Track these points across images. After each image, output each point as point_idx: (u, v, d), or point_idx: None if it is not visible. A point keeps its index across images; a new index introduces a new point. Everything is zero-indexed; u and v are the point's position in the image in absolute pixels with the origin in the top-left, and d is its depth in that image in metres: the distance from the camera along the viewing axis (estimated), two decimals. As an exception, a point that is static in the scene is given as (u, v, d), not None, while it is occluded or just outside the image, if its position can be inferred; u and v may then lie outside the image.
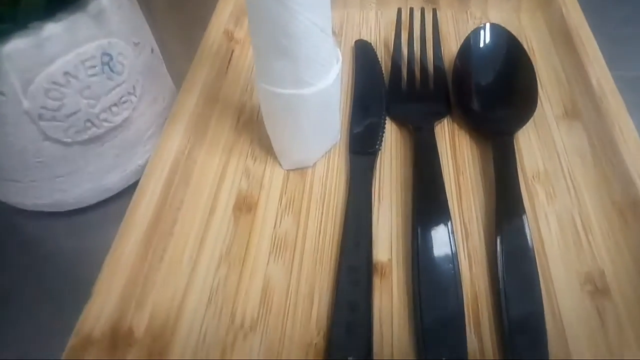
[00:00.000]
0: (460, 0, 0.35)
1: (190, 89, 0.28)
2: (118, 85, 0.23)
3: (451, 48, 0.32)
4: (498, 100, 0.27)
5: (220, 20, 0.33)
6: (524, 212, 0.22)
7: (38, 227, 0.27)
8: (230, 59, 0.32)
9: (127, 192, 0.27)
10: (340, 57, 0.24)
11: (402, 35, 0.31)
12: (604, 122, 0.25)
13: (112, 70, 0.23)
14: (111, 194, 0.27)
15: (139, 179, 0.25)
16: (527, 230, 0.21)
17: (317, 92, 0.22)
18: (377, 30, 0.34)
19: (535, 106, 0.27)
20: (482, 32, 0.29)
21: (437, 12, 0.32)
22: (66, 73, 0.21)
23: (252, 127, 0.28)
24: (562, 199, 0.24)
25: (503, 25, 0.31)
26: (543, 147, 0.26)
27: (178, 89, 0.29)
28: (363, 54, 0.31)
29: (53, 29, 0.20)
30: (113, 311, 0.19)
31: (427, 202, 0.23)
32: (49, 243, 0.26)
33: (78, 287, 0.22)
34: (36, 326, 0.23)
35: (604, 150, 0.25)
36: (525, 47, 0.31)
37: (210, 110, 0.28)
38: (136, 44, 0.24)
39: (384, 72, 0.30)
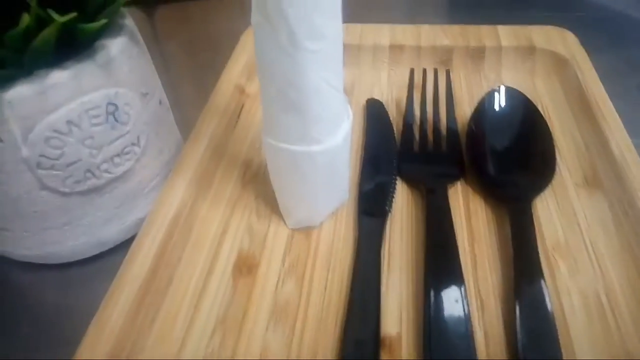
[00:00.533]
0: (474, 61, 0.35)
1: (197, 141, 0.27)
2: (122, 136, 0.23)
3: (464, 110, 0.31)
4: (514, 164, 0.26)
5: (233, 73, 0.33)
6: (545, 286, 0.21)
7: (25, 278, 0.25)
8: (239, 113, 0.31)
9: (124, 246, 0.26)
10: (351, 114, 0.23)
11: (415, 95, 0.31)
12: (626, 191, 0.24)
13: (116, 120, 0.22)
14: (107, 247, 0.25)
15: (138, 231, 0.24)
16: (548, 307, 0.20)
17: (326, 150, 0.22)
18: (389, 89, 0.33)
19: (554, 172, 0.26)
20: (497, 94, 0.29)
21: (450, 73, 0.32)
22: (69, 122, 0.20)
23: (257, 183, 0.27)
24: (585, 273, 0.22)
25: (517, 88, 0.31)
26: (563, 216, 0.24)
27: (185, 137, 0.28)
28: (374, 112, 0.31)
29: (59, 77, 0.20)
30: (94, 380, 0.18)
31: (440, 271, 0.21)
32: (34, 296, 0.25)
33: (58, 349, 0.20)
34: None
35: (628, 220, 0.23)
36: (541, 110, 0.30)
37: (216, 163, 0.28)
38: (144, 95, 0.24)
39: (395, 131, 0.29)
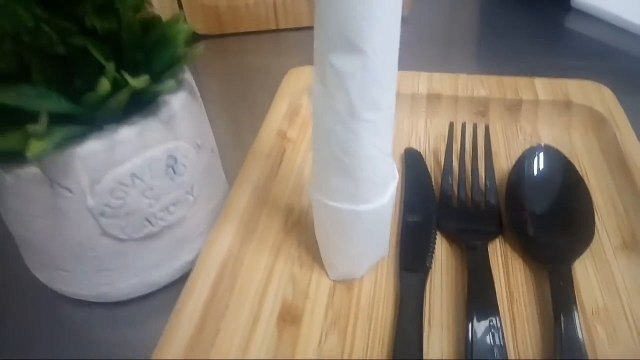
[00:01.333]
0: (510, 113, 0.35)
1: (242, 187, 0.28)
2: (178, 186, 0.24)
3: (501, 163, 0.32)
4: (554, 226, 0.26)
5: (275, 118, 0.34)
6: (585, 353, 0.21)
7: (77, 314, 0.26)
8: (281, 159, 0.32)
9: (171, 286, 0.27)
10: (397, 175, 0.24)
11: (454, 147, 0.31)
12: (667, 259, 0.24)
13: (174, 172, 0.23)
14: (156, 288, 0.26)
15: (184, 273, 0.25)
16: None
17: (373, 210, 0.22)
18: (426, 139, 0.34)
19: (593, 235, 0.26)
20: (535, 153, 0.29)
21: (489, 127, 0.32)
22: (133, 174, 0.22)
23: (300, 230, 0.28)
24: (625, 342, 0.22)
25: (554, 142, 0.32)
26: (602, 280, 0.25)
27: (228, 180, 0.30)
28: (413, 164, 0.31)
29: (126, 133, 0.21)
30: None
31: (481, 330, 0.22)
32: (85, 332, 0.26)
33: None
34: None
35: (669, 290, 0.23)
36: (578, 167, 0.31)
37: (260, 209, 0.29)
38: (199, 146, 0.25)
39: (433, 184, 0.30)
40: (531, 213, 0.27)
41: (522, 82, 0.36)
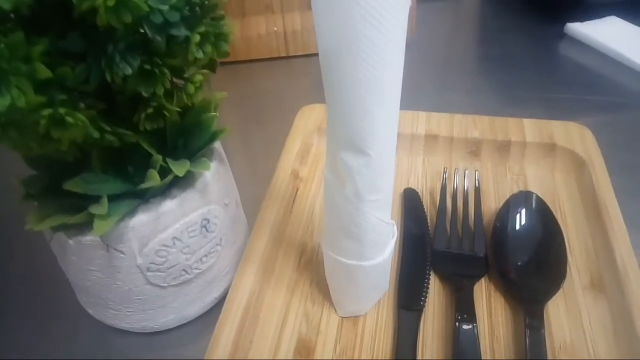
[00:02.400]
0: (500, 154, 0.39)
1: (261, 231, 0.33)
2: (210, 241, 0.28)
3: (489, 203, 0.36)
4: (531, 270, 0.30)
5: (288, 158, 0.38)
6: (551, 385, 0.25)
7: (119, 342, 0.31)
8: (294, 198, 0.37)
9: (202, 317, 0.31)
10: (396, 233, 0.28)
11: (447, 189, 0.35)
12: (625, 301, 0.28)
13: (207, 230, 0.27)
14: (189, 320, 0.31)
15: (213, 306, 0.30)
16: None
17: (375, 264, 0.27)
18: (424, 177, 0.38)
19: (564, 279, 0.30)
20: (518, 201, 0.33)
21: (479, 173, 0.36)
22: (174, 237, 0.26)
23: (312, 268, 0.32)
24: (585, 374, 0.27)
25: (539, 183, 0.36)
26: (570, 318, 0.29)
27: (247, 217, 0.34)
28: (411, 204, 0.35)
29: (169, 206, 0.25)
30: None
31: (464, 365, 0.26)
32: (126, 355, 0.30)
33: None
34: None
35: (624, 329, 0.28)
36: (558, 207, 0.35)
37: (276, 250, 0.33)
38: (226, 204, 0.29)
39: (429, 223, 0.34)
40: (512, 257, 0.31)
41: (511, 123, 0.40)
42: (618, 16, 0.56)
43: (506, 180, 0.38)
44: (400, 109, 0.22)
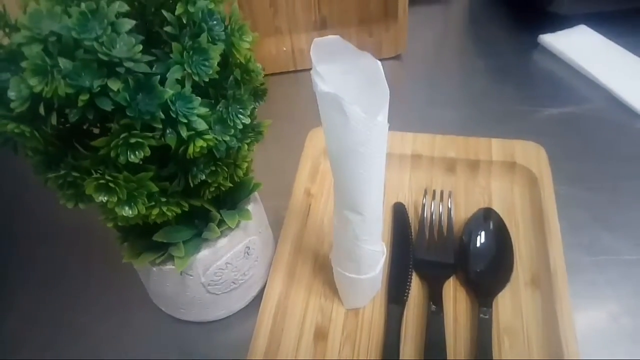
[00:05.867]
0: (472, 170, 0.49)
1: (284, 243, 0.43)
2: (250, 261, 0.38)
3: (460, 213, 0.46)
4: (486, 273, 0.41)
5: (302, 180, 0.48)
6: (491, 355, 0.36)
7: (183, 327, 0.42)
8: (308, 213, 0.47)
9: (243, 309, 0.42)
10: (385, 251, 0.38)
11: (426, 207, 0.45)
12: (552, 295, 0.39)
13: (248, 254, 0.38)
14: (234, 312, 0.42)
15: (251, 302, 0.41)
16: (493, 371, 0.36)
17: (369, 277, 0.37)
18: (410, 192, 0.48)
19: (510, 279, 0.41)
20: (480, 216, 0.43)
21: (452, 194, 0.46)
22: (226, 263, 0.36)
23: (324, 272, 0.43)
24: (518, 348, 0.38)
25: (500, 195, 0.46)
26: (513, 307, 0.40)
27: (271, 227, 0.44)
28: (399, 217, 0.46)
29: (222, 242, 0.35)
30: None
31: (434, 343, 0.37)
32: (187, 337, 0.41)
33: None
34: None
35: (549, 316, 0.38)
36: (513, 217, 0.45)
37: (296, 259, 0.43)
38: (260, 232, 0.39)
39: (413, 233, 0.44)
40: (472, 264, 0.41)
41: (482, 143, 0.49)
42: (588, 26, 0.63)
43: (474, 193, 0.48)
44: (393, 128, 0.29)
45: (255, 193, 0.39)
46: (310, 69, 0.26)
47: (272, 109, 0.57)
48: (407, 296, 0.41)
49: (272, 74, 0.63)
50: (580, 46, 0.61)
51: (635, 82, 0.57)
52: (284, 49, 0.61)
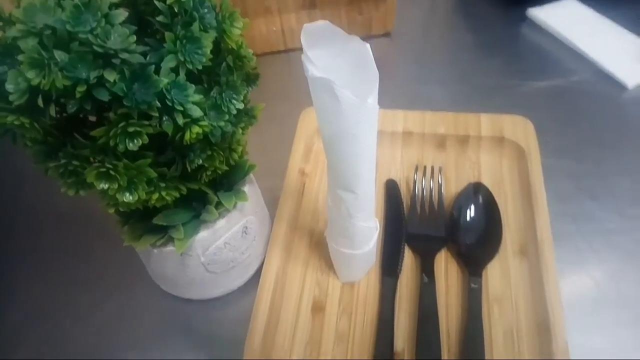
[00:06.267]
0: (461, 145, 0.50)
1: (280, 221, 0.44)
2: (248, 240, 0.40)
3: (450, 188, 0.47)
4: (476, 245, 0.42)
5: (296, 159, 0.49)
6: (481, 323, 0.38)
7: (184, 305, 0.43)
8: (303, 191, 0.48)
9: (242, 287, 0.44)
10: (378, 227, 0.39)
11: (417, 183, 0.47)
12: (539, 263, 0.40)
13: (246, 234, 0.39)
14: (233, 289, 0.43)
15: (249, 280, 0.42)
16: (483, 336, 0.38)
17: (363, 252, 0.38)
18: (402, 168, 0.49)
19: (498, 249, 0.42)
20: (470, 190, 0.45)
21: (442, 169, 0.47)
22: (225, 243, 0.38)
23: (320, 247, 0.44)
24: (507, 314, 0.40)
25: (490, 169, 0.47)
26: (502, 276, 0.42)
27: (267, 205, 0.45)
28: (391, 193, 0.47)
29: (220, 223, 0.37)
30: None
31: (426, 312, 0.39)
32: (189, 314, 0.43)
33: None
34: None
35: (536, 284, 0.40)
36: (502, 189, 0.46)
37: (292, 236, 0.45)
38: (256, 212, 0.40)
39: (405, 208, 0.46)
40: (462, 237, 0.43)
41: (471, 118, 0.50)
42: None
43: (464, 168, 0.49)
44: (381, 107, 0.29)
45: (251, 174, 0.40)
46: (301, 48, 0.27)
47: (264, 89, 0.57)
48: (401, 269, 0.42)
49: (263, 54, 0.63)
50: (568, 19, 0.61)
51: (622, 54, 0.57)
52: (274, 28, 0.61)
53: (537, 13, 0.62)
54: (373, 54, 0.27)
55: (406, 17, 0.66)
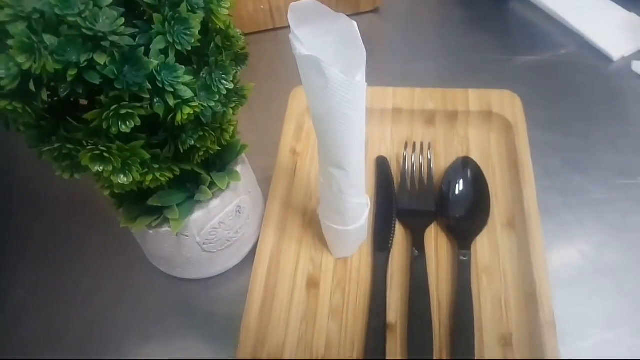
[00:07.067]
0: (450, 121, 0.50)
1: (273, 200, 0.45)
2: (242, 219, 0.40)
3: (440, 163, 0.48)
4: (465, 216, 0.43)
5: (287, 138, 0.49)
6: (471, 291, 0.39)
7: (183, 284, 0.44)
8: (295, 170, 0.48)
9: (238, 265, 0.44)
10: (369, 203, 0.40)
11: (407, 160, 0.47)
12: (527, 235, 0.41)
13: (240, 213, 0.40)
14: (230, 268, 0.44)
15: (245, 258, 0.43)
16: (473, 304, 0.39)
17: (354, 228, 0.39)
18: (392, 145, 0.50)
19: (487, 222, 0.43)
20: (458, 165, 0.45)
21: (432, 145, 0.48)
22: (220, 222, 0.38)
23: (313, 225, 0.45)
24: (495, 285, 0.41)
25: (478, 144, 0.48)
26: (490, 247, 0.43)
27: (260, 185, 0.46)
28: (382, 169, 0.48)
29: (214, 203, 0.37)
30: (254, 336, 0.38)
31: (418, 285, 0.40)
32: (187, 292, 0.44)
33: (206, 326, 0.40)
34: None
35: (524, 255, 0.41)
36: (490, 163, 0.47)
37: (286, 213, 0.45)
38: (250, 192, 0.41)
39: (395, 185, 0.46)
40: (452, 211, 0.44)
41: (459, 94, 0.51)
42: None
43: (453, 143, 0.49)
44: (370, 85, 0.29)
45: (243, 154, 0.40)
46: (289, 26, 0.27)
47: (253, 68, 0.57)
48: (392, 244, 0.43)
49: (251, 33, 0.63)
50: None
51: (608, 26, 0.58)
52: (262, 7, 0.61)
53: (524, -13, 0.62)
54: (361, 31, 0.27)
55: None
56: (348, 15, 0.27)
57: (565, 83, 0.55)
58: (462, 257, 0.41)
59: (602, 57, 0.56)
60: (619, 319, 0.40)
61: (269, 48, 0.62)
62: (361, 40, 0.27)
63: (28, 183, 0.52)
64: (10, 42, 0.23)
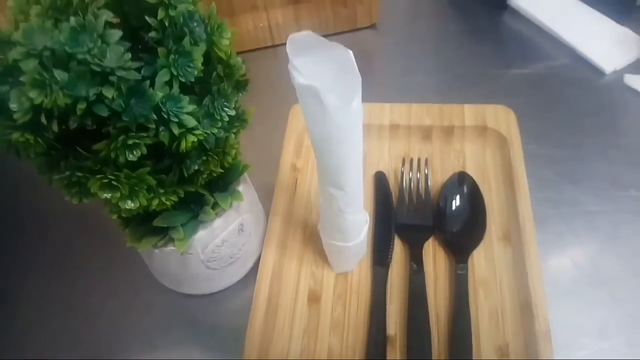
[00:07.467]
0: (446, 136, 0.51)
1: (275, 217, 0.46)
2: (244, 237, 0.42)
3: (437, 177, 0.49)
4: (462, 231, 0.44)
5: (288, 153, 0.50)
6: (468, 305, 0.40)
7: (187, 300, 0.45)
8: (295, 186, 0.50)
9: (241, 280, 0.45)
10: (368, 220, 0.41)
11: (405, 175, 0.49)
12: (522, 247, 0.43)
13: (242, 231, 0.41)
14: (233, 282, 0.45)
15: (248, 273, 0.44)
16: (470, 316, 0.40)
17: (354, 244, 0.40)
18: (390, 160, 0.51)
19: (483, 236, 0.44)
20: (454, 180, 0.47)
21: (428, 160, 0.49)
22: (223, 240, 0.39)
23: (313, 241, 0.46)
24: (492, 297, 0.42)
25: (474, 157, 0.49)
26: (486, 260, 0.44)
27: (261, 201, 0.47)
28: (380, 184, 0.49)
29: (218, 222, 0.38)
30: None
31: (416, 299, 0.41)
32: (192, 307, 0.45)
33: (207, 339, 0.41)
34: None
35: (519, 267, 0.42)
36: (486, 177, 0.48)
37: (287, 230, 0.47)
38: (251, 210, 0.42)
39: (393, 198, 0.47)
40: (449, 226, 0.45)
41: (455, 109, 0.52)
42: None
43: (450, 158, 0.51)
44: (369, 100, 0.31)
45: (245, 174, 0.41)
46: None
47: (253, 85, 0.58)
48: (391, 258, 0.44)
49: (251, 50, 0.64)
50: (547, 5, 0.63)
51: (600, 39, 0.59)
52: (261, 24, 0.62)
53: (517, 1, 0.64)
54: (358, 47, 0.29)
55: (391, 9, 0.67)
56: (346, 32, 0.29)
57: (558, 96, 0.56)
58: (459, 271, 0.42)
59: (595, 70, 0.58)
60: (614, 328, 0.41)
61: (269, 64, 0.64)
62: (356, 68, 0.29)
63: (37, 198, 0.54)
64: (23, 78, 0.25)
